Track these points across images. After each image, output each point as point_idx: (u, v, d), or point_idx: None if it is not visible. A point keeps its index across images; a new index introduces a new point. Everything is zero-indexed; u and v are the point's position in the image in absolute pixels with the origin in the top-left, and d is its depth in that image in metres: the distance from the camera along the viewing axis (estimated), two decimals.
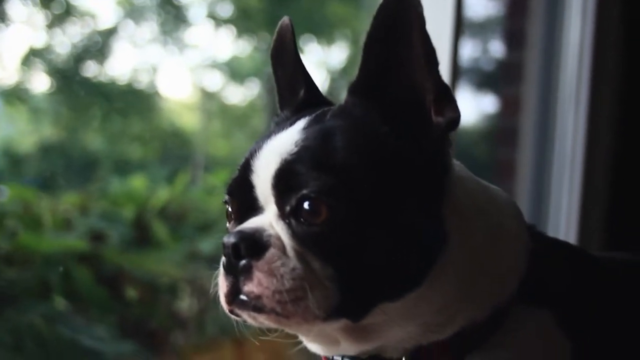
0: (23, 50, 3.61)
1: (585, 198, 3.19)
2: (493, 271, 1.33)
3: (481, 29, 4.35)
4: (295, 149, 1.25)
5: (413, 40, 1.25)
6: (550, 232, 3.14)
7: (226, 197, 1.35)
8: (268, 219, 1.26)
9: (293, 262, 1.22)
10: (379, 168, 1.25)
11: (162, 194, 4.07)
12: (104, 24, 4.27)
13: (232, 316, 1.28)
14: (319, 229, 1.22)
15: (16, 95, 3.61)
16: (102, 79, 4.40)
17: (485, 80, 4.21)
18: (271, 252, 1.22)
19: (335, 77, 5.69)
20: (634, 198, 3.36)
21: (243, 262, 1.22)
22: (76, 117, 4.14)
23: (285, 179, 1.24)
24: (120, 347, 2.87)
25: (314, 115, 1.33)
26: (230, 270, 1.23)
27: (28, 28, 3.61)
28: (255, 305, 1.22)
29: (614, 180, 3.32)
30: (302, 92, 1.45)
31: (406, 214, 1.25)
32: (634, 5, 3.38)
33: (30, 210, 3.25)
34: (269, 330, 1.32)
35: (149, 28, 4.73)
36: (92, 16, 4.20)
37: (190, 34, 5.09)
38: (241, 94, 6.06)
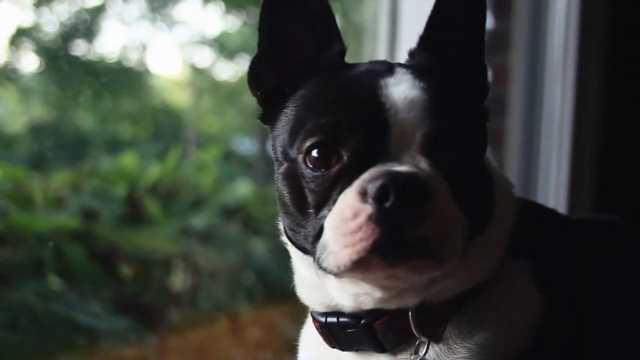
0: (11, 30, 3.59)
1: (574, 165, 3.20)
2: (503, 227, 1.42)
3: None
4: (439, 104, 1.30)
5: (483, 20, 1.46)
6: (540, 200, 3.18)
7: (329, 138, 1.28)
8: (414, 163, 1.26)
9: (453, 207, 1.25)
10: (479, 122, 1.42)
11: (154, 171, 4.06)
12: (92, 1, 4.24)
13: (352, 266, 1.23)
14: (463, 178, 1.29)
15: (5, 75, 3.60)
16: (91, 57, 4.38)
17: None
18: (439, 196, 1.23)
19: None
20: (622, 164, 3.38)
21: (413, 206, 1.20)
22: (66, 96, 4.13)
23: (440, 132, 1.28)
24: (114, 323, 2.89)
25: (411, 67, 1.38)
26: (393, 216, 1.20)
27: (15, 7, 3.58)
28: (421, 250, 1.21)
29: (602, 147, 3.34)
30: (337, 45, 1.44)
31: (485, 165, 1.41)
32: None
33: (22, 190, 3.24)
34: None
35: (137, 5, 4.70)
36: None
37: (178, 10, 5.07)
38: (231, 70, 6.04)
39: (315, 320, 1.47)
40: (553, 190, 3.20)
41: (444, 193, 1.24)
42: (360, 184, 1.22)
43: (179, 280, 3.74)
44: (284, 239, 1.50)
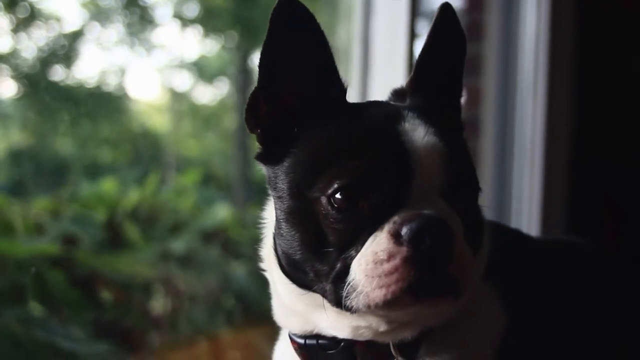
0: None
1: (546, 184, 3.25)
2: (484, 255, 1.46)
3: None
4: (452, 148, 1.36)
5: (464, 54, 1.54)
6: (513, 220, 3.22)
7: (358, 181, 1.30)
8: (436, 206, 1.29)
9: (467, 246, 1.30)
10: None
11: (133, 196, 4.08)
12: (70, 26, 4.25)
13: (383, 305, 1.25)
14: (472, 218, 1.37)
15: None
16: (70, 82, 4.38)
17: None
18: (460, 237, 1.28)
19: None
20: (593, 182, 3.45)
21: (444, 248, 1.25)
22: (45, 121, 4.12)
23: (457, 176, 1.34)
24: (95, 347, 2.87)
25: (415, 110, 1.42)
26: (428, 258, 1.23)
27: None
28: (452, 287, 1.26)
29: (573, 166, 3.39)
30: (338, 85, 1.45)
31: None
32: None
33: (2, 216, 3.24)
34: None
35: (115, 30, 4.71)
36: (58, 19, 4.19)
37: (157, 35, 5.09)
38: (210, 94, 6.07)
39: (293, 341, 1.50)
40: (526, 210, 3.24)
41: (461, 234, 1.30)
42: (393, 227, 1.26)
43: (159, 304, 3.74)
44: (266, 265, 1.52)
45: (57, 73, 4.36)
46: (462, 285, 1.27)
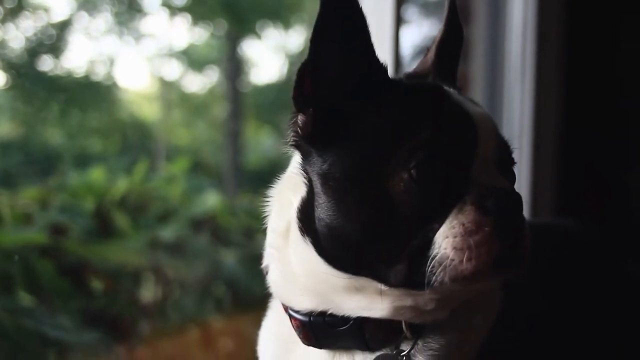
0: None
1: (535, 170, 3.27)
2: None
3: (436, 7, 4.41)
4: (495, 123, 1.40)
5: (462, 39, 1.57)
6: None
7: (438, 152, 1.28)
8: (497, 176, 1.31)
9: None
10: None
11: (122, 185, 4.07)
12: (58, 16, 4.23)
13: (472, 277, 1.24)
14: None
15: None
16: (59, 72, 4.37)
17: None
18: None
19: (294, 61, 5.70)
20: (581, 167, 3.46)
21: (522, 221, 1.28)
22: (34, 112, 4.11)
23: (509, 148, 1.39)
24: (84, 336, 2.88)
25: (458, 92, 1.44)
26: (512, 230, 1.26)
27: None
28: (522, 260, 1.28)
29: (561, 151, 3.41)
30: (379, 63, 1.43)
31: None
32: None
33: None
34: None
35: (104, 19, 4.69)
36: (45, 9, 4.16)
37: (145, 24, 5.07)
38: (200, 82, 6.05)
39: (294, 319, 1.46)
40: None
41: None
42: (476, 198, 1.25)
43: (148, 292, 3.73)
44: (276, 244, 1.47)
45: (46, 63, 4.34)
46: (527, 258, 1.28)
